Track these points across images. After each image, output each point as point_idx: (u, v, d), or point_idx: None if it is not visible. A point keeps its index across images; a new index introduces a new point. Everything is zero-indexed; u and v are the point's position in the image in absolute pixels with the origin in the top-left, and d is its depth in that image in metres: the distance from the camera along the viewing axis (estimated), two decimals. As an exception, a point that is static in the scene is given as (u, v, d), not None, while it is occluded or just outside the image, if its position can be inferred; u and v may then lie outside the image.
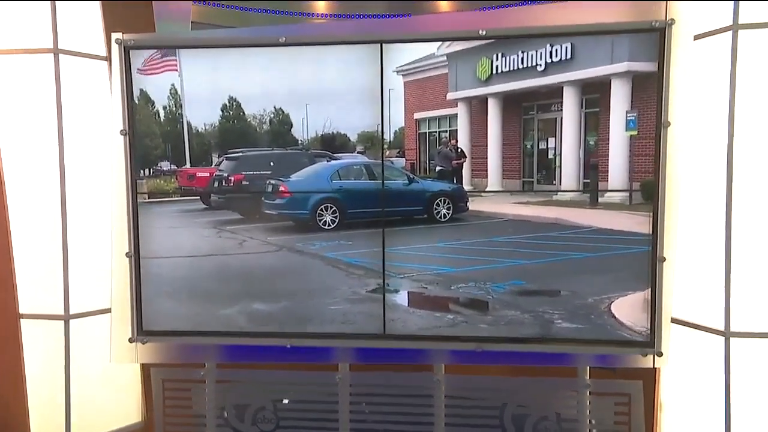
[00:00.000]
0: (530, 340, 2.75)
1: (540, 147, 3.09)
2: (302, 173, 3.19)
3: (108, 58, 2.60)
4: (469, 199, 3.16)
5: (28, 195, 2.73)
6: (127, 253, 2.63)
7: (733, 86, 2.35)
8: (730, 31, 2.30)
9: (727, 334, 2.34)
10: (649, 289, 2.54)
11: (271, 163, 3.15)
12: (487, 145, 3.10)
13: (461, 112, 3.13)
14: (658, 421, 2.80)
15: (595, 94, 2.94)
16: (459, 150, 3.12)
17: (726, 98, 2.36)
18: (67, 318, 2.70)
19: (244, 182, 3.14)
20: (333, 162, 3.16)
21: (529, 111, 3.10)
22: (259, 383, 2.88)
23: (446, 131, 3.15)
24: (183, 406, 2.82)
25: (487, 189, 3.11)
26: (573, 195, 3.01)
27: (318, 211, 3.18)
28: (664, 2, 2.30)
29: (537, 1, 2.76)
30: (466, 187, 3.16)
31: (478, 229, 3.15)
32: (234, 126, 3.06)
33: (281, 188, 3.16)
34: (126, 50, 2.54)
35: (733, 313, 2.37)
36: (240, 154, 3.13)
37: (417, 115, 3.12)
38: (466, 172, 3.14)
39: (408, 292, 3.17)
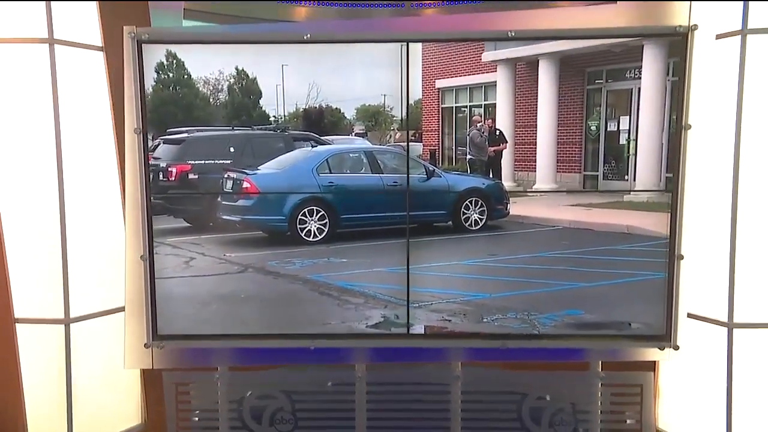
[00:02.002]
0: (551, 336, 2.58)
1: (609, 129, 2.61)
2: (276, 163, 2.66)
3: (104, 49, 2.62)
4: (510, 200, 2.67)
5: (20, 191, 2.63)
6: (141, 257, 2.54)
7: (741, 89, 2.41)
8: (739, 36, 2.42)
9: (730, 325, 2.50)
10: (666, 284, 2.52)
11: (231, 149, 2.64)
12: (536, 126, 2.57)
13: (501, 79, 2.60)
14: (656, 406, 2.86)
15: (686, 57, 2.46)
16: (497, 132, 2.60)
17: (734, 101, 2.45)
18: (67, 322, 2.66)
19: (191, 176, 2.64)
20: (321, 148, 2.63)
21: (596, 79, 2.62)
22: (275, 384, 2.81)
23: (480, 106, 2.68)
24: (197, 409, 2.82)
25: (534, 187, 2.65)
26: (651, 194, 2.56)
27: (299, 217, 2.67)
28: (687, 4, 2.36)
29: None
30: (506, 183, 2.66)
31: (522, 240, 2.67)
32: (176, 95, 2.55)
33: (245, 184, 2.65)
34: (139, 45, 2.43)
35: (736, 305, 2.52)
36: (185, 135, 2.61)
37: (440, 83, 2.63)
38: (506, 162, 2.62)
39: (425, 327, 2.66)
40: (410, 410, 2.78)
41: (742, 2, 2.38)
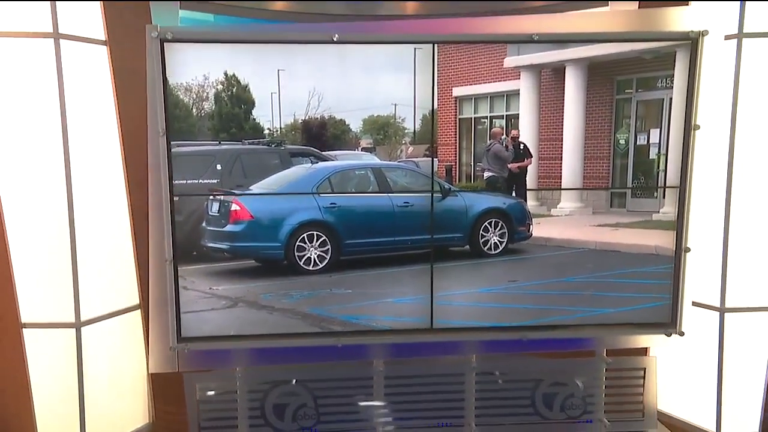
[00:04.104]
0: (566, 326, 2.52)
1: (638, 142, 2.40)
2: (271, 182, 2.39)
3: (107, 42, 2.58)
4: (533, 220, 2.44)
5: (25, 191, 2.57)
6: (167, 260, 2.45)
7: (737, 91, 2.40)
8: (735, 39, 2.40)
9: (722, 310, 2.59)
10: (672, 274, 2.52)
11: (218, 167, 2.38)
12: (561, 140, 2.35)
13: (525, 87, 2.35)
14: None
15: (722, 65, 2.30)
16: (521, 147, 2.36)
17: (729, 102, 2.44)
18: (78, 325, 2.62)
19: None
20: (322, 165, 2.37)
21: (625, 88, 2.39)
22: (298, 381, 2.74)
23: (502, 116, 2.41)
24: (219, 410, 2.78)
25: (559, 206, 2.43)
26: (682, 212, 2.42)
27: (297, 244, 2.42)
28: (698, 9, 2.38)
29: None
30: (530, 202, 2.43)
31: (544, 265, 2.46)
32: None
33: (234, 207, 2.39)
34: (161, 44, 2.29)
35: (734, 292, 2.60)
36: (164, 151, 2.32)
37: (458, 92, 2.34)
38: (529, 179, 2.39)
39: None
40: (428, 401, 2.72)
41: (738, 3, 2.36)
